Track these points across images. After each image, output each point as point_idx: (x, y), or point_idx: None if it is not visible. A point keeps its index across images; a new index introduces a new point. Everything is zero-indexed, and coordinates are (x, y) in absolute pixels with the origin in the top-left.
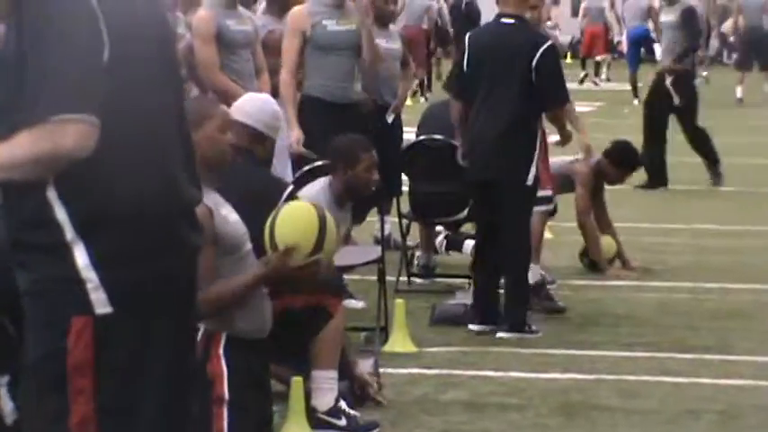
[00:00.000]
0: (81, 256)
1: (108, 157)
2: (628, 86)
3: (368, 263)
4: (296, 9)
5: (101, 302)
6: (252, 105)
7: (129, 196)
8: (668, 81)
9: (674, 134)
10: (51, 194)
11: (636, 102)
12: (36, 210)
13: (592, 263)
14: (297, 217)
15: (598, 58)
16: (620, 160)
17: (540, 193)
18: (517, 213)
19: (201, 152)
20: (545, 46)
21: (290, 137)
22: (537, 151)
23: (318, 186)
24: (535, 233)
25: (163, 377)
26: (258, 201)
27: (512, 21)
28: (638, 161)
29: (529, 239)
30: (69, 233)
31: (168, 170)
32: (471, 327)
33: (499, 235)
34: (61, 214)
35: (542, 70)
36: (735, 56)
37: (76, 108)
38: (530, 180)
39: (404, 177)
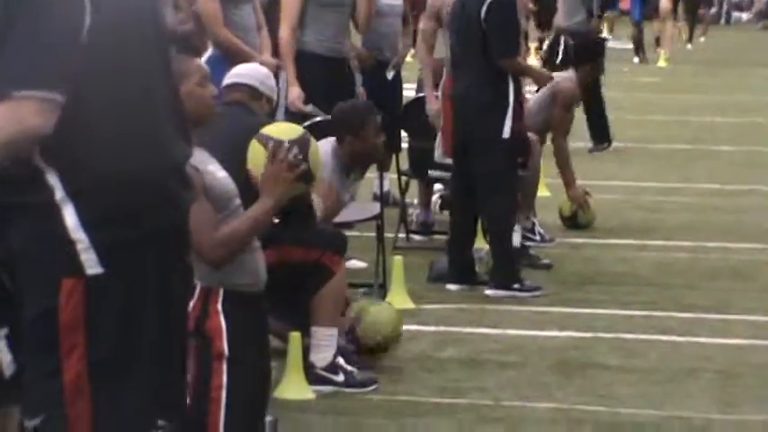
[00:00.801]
0: (70, 217)
1: (97, 119)
2: (627, 45)
3: (366, 219)
4: None
5: (91, 263)
6: (243, 68)
7: (118, 156)
8: (563, 41)
9: (675, 95)
10: (39, 161)
11: (636, 60)
12: (25, 173)
13: (572, 222)
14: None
15: None
16: (581, 57)
17: None
18: (496, 169)
19: (186, 110)
20: None
21: (290, 94)
22: (511, 104)
23: (322, 150)
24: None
25: (156, 334)
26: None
27: None
28: (597, 44)
29: (511, 196)
30: (59, 193)
31: (158, 129)
32: (449, 287)
33: (479, 193)
34: (51, 176)
35: (489, 22)
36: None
37: (39, 84)
38: (506, 133)
39: (403, 134)
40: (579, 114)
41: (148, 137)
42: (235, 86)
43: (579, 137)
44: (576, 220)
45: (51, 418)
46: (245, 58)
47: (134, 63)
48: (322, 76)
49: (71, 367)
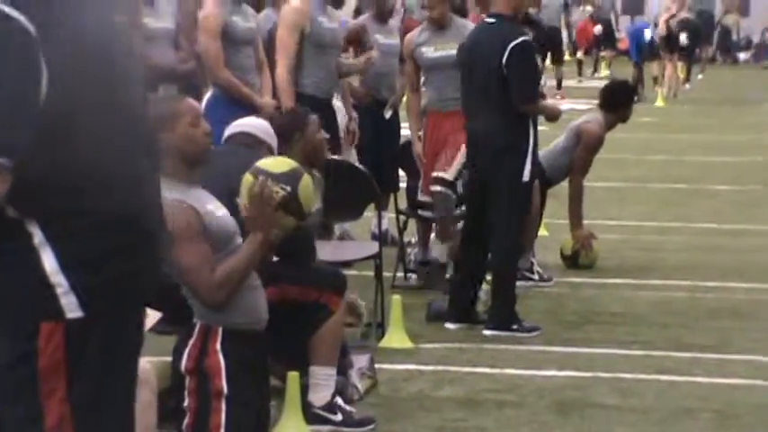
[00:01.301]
0: (49, 261)
1: (73, 163)
2: None
3: (365, 258)
4: (296, 4)
5: (72, 306)
6: (245, 120)
7: (96, 199)
8: None
9: (673, 134)
10: (12, 213)
11: (635, 98)
12: (1, 219)
13: (572, 261)
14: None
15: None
16: (613, 102)
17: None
18: (511, 211)
19: (181, 151)
20: (514, 42)
21: None
22: (530, 146)
23: None
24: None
25: (131, 372)
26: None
27: (492, 20)
28: (630, 90)
29: (520, 238)
30: (37, 238)
31: (134, 167)
32: (448, 325)
33: (491, 232)
34: (28, 222)
35: (510, 68)
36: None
37: None
38: (525, 176)
39: (401, 173)
40: None
41: (125, 177)
42: (237, 135)
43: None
44: (576, 260)
45: None
46: (245, 99)
47: (107, 103)
48: (323, 120)
49: (52, 410)
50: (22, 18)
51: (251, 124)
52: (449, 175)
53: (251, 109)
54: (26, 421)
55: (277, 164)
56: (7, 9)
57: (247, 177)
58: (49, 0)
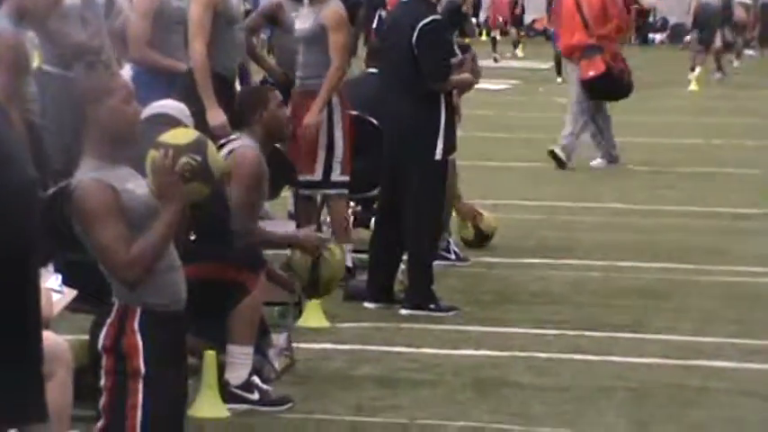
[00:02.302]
0: None
1: None
2: (543, 65)
3: None
4: None
5: None
6: (162, 101)
7: None
8: None
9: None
10: None
11: (559, 79)
12: None
13: (480, 238)
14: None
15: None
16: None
17: (343, 178)
18: (425, 190)
19: (108, 127)
20: (423, 21)
21: (213, 119)
22: (443, 124)
23: (240, 142)
24: (342, 216)
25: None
26: None
27: (406, 0)
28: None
29: (436, 217)
30: None
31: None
32: (366, 305)
33: (405, 212)
34: None
35: (419, 46)
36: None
37: None
38: (437, 155)
39: None
40: (484, 134)
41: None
42: (155, 116)
43: (491, 155)
44: (481, 235)
45: None
46: (167, 71)
47: None
48: (223, 98)
49: None
50: None
51: (169, 105)
52: (316, 176)
53: (168, 90)
54: None
55: (180, 135)
56: None
57: (152, 153)
58: None
